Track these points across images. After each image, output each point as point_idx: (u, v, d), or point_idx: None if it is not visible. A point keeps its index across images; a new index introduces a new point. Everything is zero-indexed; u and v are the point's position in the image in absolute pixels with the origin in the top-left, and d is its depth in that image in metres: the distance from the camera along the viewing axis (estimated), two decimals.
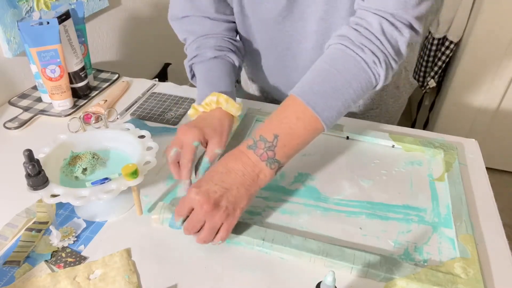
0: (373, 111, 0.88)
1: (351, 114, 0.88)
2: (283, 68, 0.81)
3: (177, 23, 0.79)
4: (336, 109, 0.55)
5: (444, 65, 1.74)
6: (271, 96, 0.93)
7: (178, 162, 0.61)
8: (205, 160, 0.61)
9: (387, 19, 0.54)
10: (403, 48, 0.56)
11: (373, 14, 0.55)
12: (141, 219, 0.59)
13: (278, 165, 0.54)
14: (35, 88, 0.90)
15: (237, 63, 0.75)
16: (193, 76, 0.77)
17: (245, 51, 0.82)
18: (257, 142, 0.54)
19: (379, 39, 0.55)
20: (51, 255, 0.54)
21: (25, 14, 0.87)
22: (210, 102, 0.64)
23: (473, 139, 0.76)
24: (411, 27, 0.55)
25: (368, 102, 0.86)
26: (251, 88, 0.97)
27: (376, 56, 0.55)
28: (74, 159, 0.60)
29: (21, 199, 0.60)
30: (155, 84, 0.94)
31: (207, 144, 0.61)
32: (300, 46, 0.75)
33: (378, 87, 0.59)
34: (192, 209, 0.52)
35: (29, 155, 0.50)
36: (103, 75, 0.97)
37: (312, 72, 0.57)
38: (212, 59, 0.73)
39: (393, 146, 0.74)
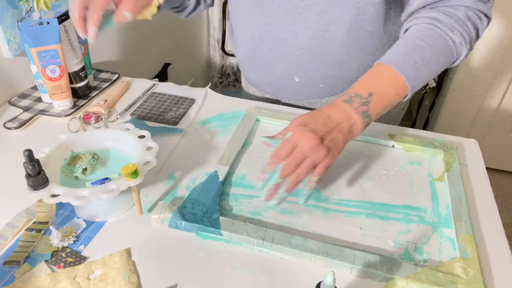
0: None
1: None
2: (279, 55, 0.80)
3: None
4: (423, 79, 0.62)
5: None
6: (264, 88, 0.91)
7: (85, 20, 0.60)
8: (110, 17, 0.60)
9: (470, 8, 0.63)
10: (481, 34, 0.65)
11: (457, 5, 0.63)
12: (141, 219, 0.59)
13: (369, 120, 0.60)
14: (35, 88, 0.90)
15: None
16: None
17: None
18: (353, 98, 0.60)
19: (466, 25, 0.63)
20: (51, 255, 0.54)
21: (25, 14, 0.87)
22: None
23: (473, 139, 0.76)
24: (486, 16, 0.64)
25: None
26: (251, 89, 0.97)
27: (463, 38, 0.63)
28: (74, 159, 0.60)
29: (21, 199, 0.60)
30: (155, 84, 0.94)
31: (116, 5, 0.60)
32: (297, 36, 0.75)
33: (454, 65, 0.67)
34: (291, 152, 0.55)
35: (29, 155, 0.50)
36: (103, 75, 0.97)
37: (403, 45, 0.63)
38: None
39: (393, 146, 0.74)
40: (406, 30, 0.67)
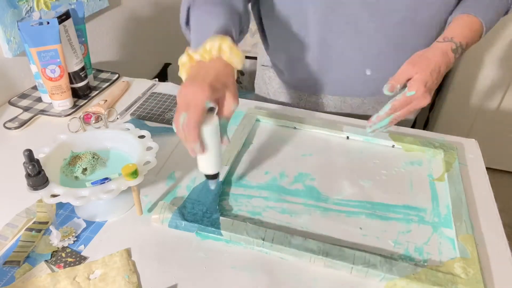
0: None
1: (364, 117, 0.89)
2: (354, 51, 0.78)
3: None
4: (493, 20, 0.71)
5: None
6: (331, 92, 0.88)
7: None
8: (224, 120, 0.54)
9: None
10: None
11: None
12: (141, 219, 0.59)
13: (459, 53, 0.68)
14: (35, 88, 0.90)
15: (242, 13, 0.65)
16: (187, 22, 0.67)
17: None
18: (458, 48, 0.67)
19: None
20: (51, 255, 0.54)
21: (25, 14, 0.87)
22: (211, 49, 0.54)
23: (473, 139, 0.76)
24: None
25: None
26: (273, 92, 0.94)
27: None
28: (74, 159, 0.60)
29: (21, 199, 0.60)
30: (155, 84, 0.94)
31: (218, 102, 0.53)
32: (384, 21, 0.73)
33: (505, 15, 0.76)
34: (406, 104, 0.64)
35: (29, 155, 0.50)
36: (103, 75, 0.97)
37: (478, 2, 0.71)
38: (215, 3, 0.63)
39: (393, 146, 0.74)
40: None
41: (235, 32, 0.60)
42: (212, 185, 0.60)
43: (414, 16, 0.72)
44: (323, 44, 0.78)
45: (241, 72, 2.08)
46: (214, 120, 0.52)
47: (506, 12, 0.75)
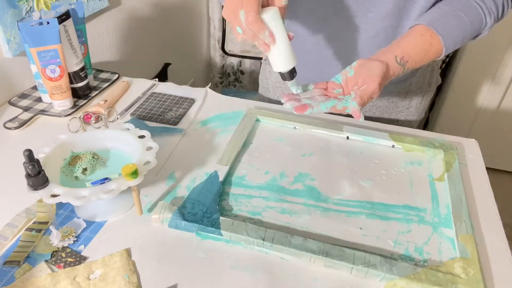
0: (407, 111, 0.90)
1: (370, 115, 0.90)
2: (343, 39, 0.78)
3: None
4: (455, 39, 0.67)
5: (444, 65, 1.74)
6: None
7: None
8: (275, 10, 0.55)
9: None
10: (505, 14, 0.70)
11: None
12: (141, 219, 0.59)
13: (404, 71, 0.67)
14: (35, 88, 0.90)
15: None
16: None
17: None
18: (404, 63, 0.65)
19: (495, 3, 0.68)
20: (51, 255, 0.54)
21: (25, 14, 0.87)
22: None
23: (473, 139, 0.76)
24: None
25: (405, 101, 0.89)
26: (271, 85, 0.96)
27: (490, 10, 0.68)
28: (74, 159, 0.60)
29: (21, 199, 0.60)
30: (155, 84, 0.94)
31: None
32: (369, 14, 0.73)
33: (478, 38, 0.71)
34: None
35: (29, 155, 0.50)
36: (103, 75, 0.97)
37: (441, 13, 0.68)
38: None
39: (393, 146, 0.74)
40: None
41: None
42: (293, 86, 0.61)
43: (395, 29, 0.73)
44: (316, 45, 0.79)
45: (241, 72, 2.08)
46: (271, 8, 0.55)
47: (477, 36, 0.71)
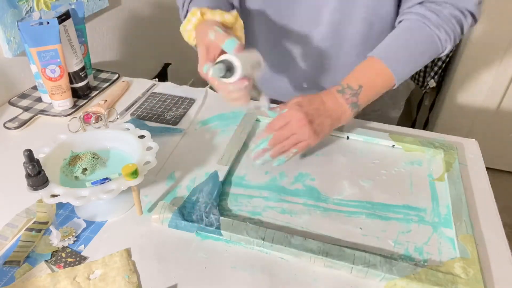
0: (374, 113, 0.88)
1: None
2: (292, 59, 0.81)
3: None
4: (408, 71, 0.69)
5: (444, 65, 1.74)
6: (273, 97, 0.93)
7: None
8: (232, 40, 0.59)
9: (455, 6, 0.67)
10: (465, 31, 0.70)
11: (444, 3, 0.67)
12: (141, 219, 0.59)
13: (358, 109, 0.67)
14: (35, 88, 0.90)
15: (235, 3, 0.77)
16: (186, 14, 0.75)
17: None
18: (345, 89, 0.67)
19: (451, 22, 0.67)
20: (51, 255, 0.54)
21: (25, 14, 0.87)
22: (193, 12, 0.64)
23: (473, 139, 0.76)
24: (472, 14, 0.68)
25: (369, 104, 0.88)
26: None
27: (449, 35, 0.68)
28: (74, 159, 0.60)
29: (21, 199, 0.60)
30: (155, 84, 0.94)
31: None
32: (311, 35, 0.76)
33: (441, 55, 0.71)
34: (283, 126, 0.63)
35: (29, 155, 0.50)
36: (103, 75, 0.97)
37: (394, 40, 0.69)
38: None
39: (393, 146, 0.74)
40: (399, 22, 0.72)
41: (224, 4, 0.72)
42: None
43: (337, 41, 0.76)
44: (275, 53, 0.83)
45: None
46: (224, 55, 0.59)
47: (439, 55, 0.71)
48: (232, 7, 0.79)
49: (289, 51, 0.80)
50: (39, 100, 0.87)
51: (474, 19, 0.69)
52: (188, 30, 0.66)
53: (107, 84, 0.94)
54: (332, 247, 0.53)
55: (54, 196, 0.52)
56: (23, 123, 0.79)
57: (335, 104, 0.66)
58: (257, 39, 0.82)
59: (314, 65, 0.80)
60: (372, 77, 0.68)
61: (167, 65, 1.62)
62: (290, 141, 0.64)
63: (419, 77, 1.81)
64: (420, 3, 0.69)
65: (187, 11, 0.75)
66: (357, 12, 0.72)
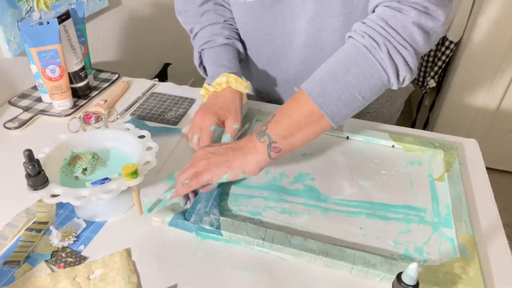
0: (369, 115, 0.88)
1: None
2: (277, 66, 0.82)
3: (182, 17, 0.83)
4: (333, 93, 0.56)
5: (444, 65, 1.74)
6: (266, 96, 0.93)
7: None
8: (227, 136, 0.68)
9: (389, 6, 0.55)
10: (412, 30, 0.54)
11: (379, 4, 0.57)
12: (141, 219, 0.59)
13: (269, 141, 0.58)
14: (35, 88, 0.90)
15: (241, 50, 0.82)
16: (200, 63, 0.82)
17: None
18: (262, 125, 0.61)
19: (379, 24, 0.54)
20: (51, 255, 0.54)
21: (25, 14, 0.87)
22: (221, 82, 0.72)
23: (473, 139, 0.76)
24: (419, 8, 0.53)
25: None
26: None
27: (375, 40, 0.54)
28: (74, 159, 0.60)
29: (21, 199, 0.60)
30: (155, 84, 0.94)
31: (223, 123, 0.70)
32: (292, 44, 0.76)
33: (392, 80, 0.56)
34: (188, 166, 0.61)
35: (29, 155, 0.50)
36: (103, 75, 0.97)
37: (327, 73, 0.57)
38: (222, 45, 0.79)
39: (393, 146, 0.74)
40: (348, 37, 0.60)
41: (236, 66, 0.77)
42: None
43: (313, 42, 0.74)
44: (268, 64, 0.83)
45: None
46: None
47: (388, 79, 0.57)
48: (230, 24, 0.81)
49: (275, 58, 0.80)
50: (39, 100, 0.87)
51: (426, 12, 0.54)
52: (210, 91, 0.74)
53: (107, 84, 0.94)
54: (332, 247, 0.53)
55: (54, 196, 0.52)
56: (23, 123, 0.79)
57: (245, 139, 0.61)
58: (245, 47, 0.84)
59: (299, 71, 0.80)
60: (287, 105, 0.59)
61: (167, 65, 1.62)
62: (189, 174, 0.59)
63: (419, 77, 1.81)
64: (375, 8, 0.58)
65: (201, 59, 0.81)
66: (334, 21, 0.68)
